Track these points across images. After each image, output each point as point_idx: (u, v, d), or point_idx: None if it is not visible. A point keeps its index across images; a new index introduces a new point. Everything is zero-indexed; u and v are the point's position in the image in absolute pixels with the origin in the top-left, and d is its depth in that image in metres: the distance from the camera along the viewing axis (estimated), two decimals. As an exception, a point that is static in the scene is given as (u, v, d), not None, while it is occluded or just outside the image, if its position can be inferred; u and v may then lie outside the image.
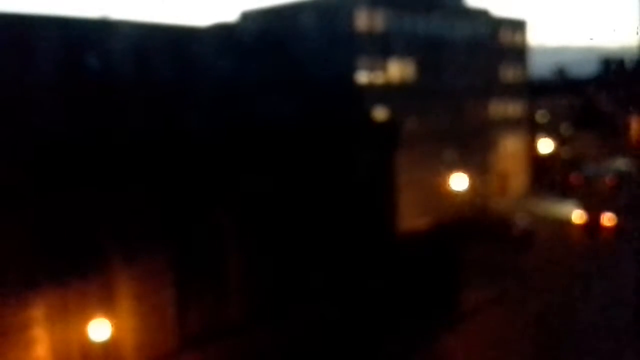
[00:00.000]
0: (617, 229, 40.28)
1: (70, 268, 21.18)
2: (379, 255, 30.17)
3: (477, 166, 47.10)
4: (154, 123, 32.29)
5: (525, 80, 56.92)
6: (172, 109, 34.34)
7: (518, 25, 55.48)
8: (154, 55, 35.81)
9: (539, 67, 67.94)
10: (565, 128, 65.15)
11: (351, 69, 40.06)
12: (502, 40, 53.36)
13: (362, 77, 40.57)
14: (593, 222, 41.48)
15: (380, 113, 40.36)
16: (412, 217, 37.81)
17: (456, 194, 38.42)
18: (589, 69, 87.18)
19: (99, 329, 19.21)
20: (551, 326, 26.57)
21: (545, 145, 59.54)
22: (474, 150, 47.92)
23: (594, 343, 24.78)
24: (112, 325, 19.50)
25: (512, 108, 54.86)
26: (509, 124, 54.24)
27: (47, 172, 20.75)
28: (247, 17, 45.62)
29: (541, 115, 62.83)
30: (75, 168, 21.36)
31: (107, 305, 21.69)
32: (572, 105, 67.43)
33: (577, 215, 42.44)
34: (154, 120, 32.75)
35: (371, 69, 41.07)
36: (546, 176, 56.91)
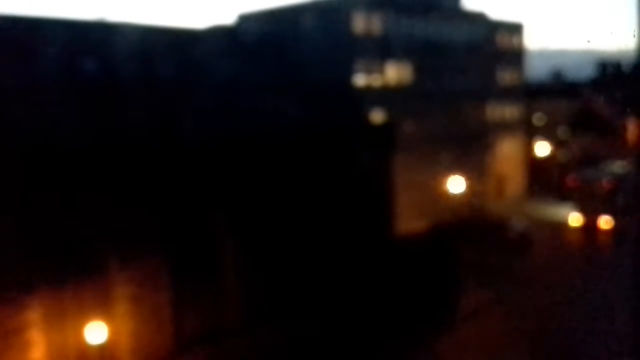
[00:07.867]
0: (614, 232, 40.26)
1: (67, 270, 21.11)
2: (376, 257, 30.13)
3: (474, 169, 47.11)
4: (150, 125, 32.20)
5: (523, 83, 56.97)
6: (168, 111, 34.26)
7: (515, 29, 55.56)
8: (150, 57, 35.72)
9: (536, 70, 68.02)
10: (562, 131, 65.17)
11: (349, 72, 40.06)
12: (499, 43, 53.42)
13: (360, 79, 40.56)
14: (590, 225, 41.41)
15: (377, 115, 40.35)
16: (409, 220, 37.78)
17: (453, 197, 38.45)
18: (586, 72, 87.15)
19: (96, 332, 19.17)
20: (548, 329, 26.58)
21: (542, 148, 59.53)
22: (471, 153, 47.93)
23: (591, 346, 24.80)
24: (108, 328, 19.45)
25: (509, 111, 54.93)
26: (506, 126, 54.30)
27: (42, 174, 20.68)
28: (244, 19, 45.60)
29: (538, 118, 62.85)
30: (70, 170, 21.31)
31: (103, 308, 21.64)
32: (569, 108, 67.47)
33: (574, 218, 42.42)
34: (150, 122, 32.66)
35: (369, 71, 41.07)
36: (543, 179, 56.88)
